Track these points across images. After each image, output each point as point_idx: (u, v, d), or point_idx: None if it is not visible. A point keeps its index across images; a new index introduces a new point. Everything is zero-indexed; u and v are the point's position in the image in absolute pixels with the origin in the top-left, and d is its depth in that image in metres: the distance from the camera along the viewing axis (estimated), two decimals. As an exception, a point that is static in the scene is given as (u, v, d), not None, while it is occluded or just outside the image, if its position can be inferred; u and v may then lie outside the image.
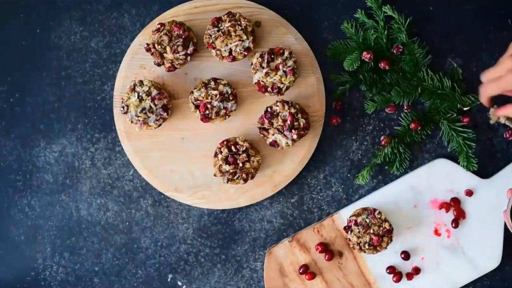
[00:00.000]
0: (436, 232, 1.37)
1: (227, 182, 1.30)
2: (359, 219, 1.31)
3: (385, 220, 1.31)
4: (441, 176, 1.37)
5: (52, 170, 1.40)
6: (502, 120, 1.38)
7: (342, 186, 1.40)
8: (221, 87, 1.29)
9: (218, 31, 1.29)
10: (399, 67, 1.37)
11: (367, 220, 1.31)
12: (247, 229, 1.41)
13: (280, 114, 1.29)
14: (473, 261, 1.37)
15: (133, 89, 1.29)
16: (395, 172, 1.38)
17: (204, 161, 1.35)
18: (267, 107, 1.30)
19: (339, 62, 1.36)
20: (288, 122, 1.28)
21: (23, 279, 1.41)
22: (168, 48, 1.28)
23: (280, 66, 1.28)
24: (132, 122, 1.30)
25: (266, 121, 1.30)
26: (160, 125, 1.32)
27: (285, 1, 1.38)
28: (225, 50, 1.29)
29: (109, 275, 1.41)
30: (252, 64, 1.31)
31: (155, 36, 1.28)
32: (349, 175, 1.40)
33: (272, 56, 1.29)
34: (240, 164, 1.29)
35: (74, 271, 1.41)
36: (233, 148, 1.29)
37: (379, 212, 1.31)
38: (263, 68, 1.29)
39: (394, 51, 1.35)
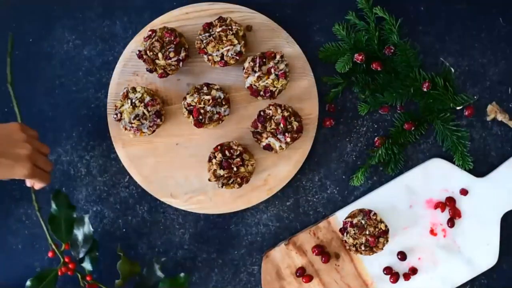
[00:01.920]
0: (432, 232, 1.37)
1: (222, 186, 1.30)
2: (355, 221, 1.31)
3: (381, 221, 1.31)
4: (436, 176, 1.37)
5: (47, 179, 1.40)
6: (499, 118, 1.38)
7: (338, 188, 1.40)
8: (213, 92, 1.30)
9: (209, 36, 1.29)
10: (392, 68, 1.37)
11: (363, 222, 1.31)
12: (244, 233, 1.41)
13: (273, 117, 1.29)
14: (470, 260, 1.37)
15: (126, 96, 1.30)
16: (390, 172, 1.38)
17: (199, 166, 1.36)
18: (260, 111, 1.30)
19: (331, 64, 1.36)
20: (281, 125, 1.29)
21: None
22: (160, 55, 1.28)
23: (272, 70, 1.29)
24: (125, 129, 1.30)
25: (259, 125, 1.30)
26: (154, 131, 1.32)
27: (276, 5, 1.38)
28: (216, 55, 1.29)
29: (106, 282, 1.41)
30: (244, 68, 1.31)
31: (147, 43, 1.29)
32: (344, 177, 1.40)
33: (264, 60, 1.29)
34: (235, 169, 1.29)
35: (72, 279, 1.41)
36: (227, 152, 1.29)
37: (375, 213, 1.32)
38: (255, 72, 1.29)
39: (386, 52, 1.35)
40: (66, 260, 1.35)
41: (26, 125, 1.24)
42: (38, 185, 1.25)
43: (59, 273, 1.34)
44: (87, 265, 1.35)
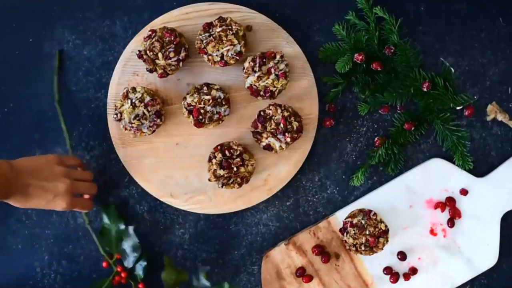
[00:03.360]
0: (432, 232, 1.37)
1: (222, 186, 1.30)
2: (355, 221, 1.32)
3: (381, 221, 1.31)
4: (436, 176, 1.37)
5: (47, 179, 1.40)
6: (499, 118, 1.38)
7: (338, 188, 1.40)
8: (213, 92, 1.30)
9: (209, 36, 1.29)
10: (392, 68, 1.37)
11: (363, 222, 1.31)
12: (244, 233, 1.41)
13: (273, 117, 1.29)
14: (470, 260, 1.37)
15: (126, 96, 1.30)
16: (390, 172, 1.38)
17: (199, 166, 1.36)
18: (260, 111, 1.30)
19: (331, 64, 1.36)
20: (281, 125, 1.29)
21: (21, 288, 1.42)
22: (160, 54, 1.28)
23: (272, 70, 1.29)
24: (126, 129, 1.30)
25: (259, 125, 1.30)
26: (154, 131, 1.32)
27: (276, 5, 1.38)
28: (216, 55, 1.29)
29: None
30: (244, 68, 1.31)
31: (147, 43, 1.29)
32: (344, 176, 1.40)
33: (264, 60, 1.29)
34: (235, 169, 1.29)
35: (73, 278, 1.41)
36: (227, 152, 1.29)
37: (375, 213, 1.32)
38: (255, 72, 1.29)
39: (386, 52, 1.35)
40: (119, 269, 1.38)
41: (63, 156, 1.30)
42: (80, 210, 1.32)
43: (114, 282, 1.39)
44: (139, 273, 1.39)
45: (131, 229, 1.37)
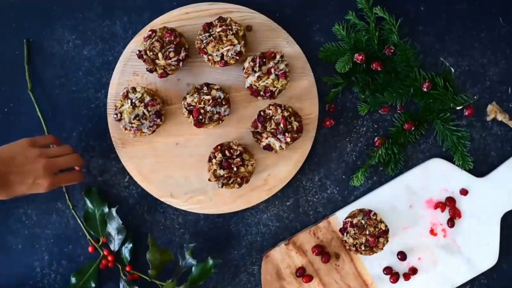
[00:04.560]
0: (432, 232, 1.37)
1: (222, 186, 1.30)
2: (355, 221, 1.32)
3: (381, 221, 1.31)
4: (436, 176, 1.37)
5: (47, 179, 1.40)
6: (499, 118, 1.38)
7: (338, 188, 1.40)
8: (213, 92, 1.30)
9: (209, 36, 1.29)
10: (392, 68, 1.37)
11: (363, 222, 1.31)
12: (244, 233, 1.41)
13: (273, 117, 1.29)
14: (470, 260, 1.37)
15: (126, 96, 1.30)
16: (390, 172, 1.38)
17: (199, 166, 1.36)
18: (260, 111, 1.30)
19: (331, 64, 1.36)
20: (281, 125, 1.29)
21: (21, 288, 1.42)
22: (160, 54, 1.28)
23: (272, 70, 1.29)
24: (126, 129, 1.30)
25: (259, 125, 1.30)
26: (154, 131, 1.32)
27: (276, 5, 1.38)
28: (216, 55, 1.29)
29: (107, 282, 1.41)
30: (244, 68, 1.31)
31: (147, 43, 1.29)
32: (344, 177, 1.40)
33: (264, 60, 1.29)
34: (235, 169, 1.29)
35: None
36: (227, 152, 1.29)
37: (375, 213, 1.32)
38: (255, 72, 1.29)
39: (386, 52, 1.35)
40: (105, 253, 1.38)
41: (34, 138, 1.28)
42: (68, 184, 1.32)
43: (101, 266, 1.38)
44: (125, 256, 1.38)
45: (113, 211, 1.36)
